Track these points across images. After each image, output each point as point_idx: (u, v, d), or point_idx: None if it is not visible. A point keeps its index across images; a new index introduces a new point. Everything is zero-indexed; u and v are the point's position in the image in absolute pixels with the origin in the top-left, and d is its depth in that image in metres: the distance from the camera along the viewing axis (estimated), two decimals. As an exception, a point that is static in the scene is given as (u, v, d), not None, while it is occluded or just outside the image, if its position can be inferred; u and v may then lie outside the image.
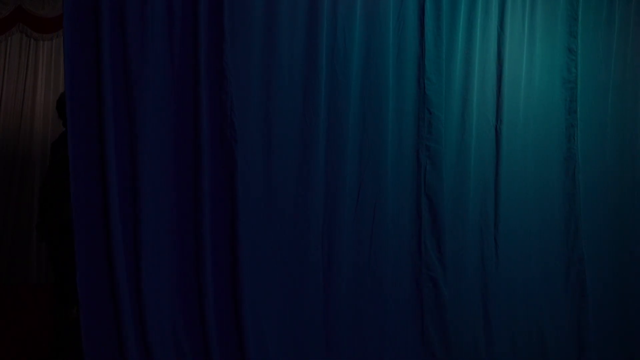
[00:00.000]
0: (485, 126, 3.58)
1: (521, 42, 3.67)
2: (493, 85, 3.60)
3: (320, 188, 3.25)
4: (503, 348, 3.45)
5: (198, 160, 2.99)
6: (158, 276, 2.92)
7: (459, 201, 3.49)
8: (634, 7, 3.86)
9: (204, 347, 2.95)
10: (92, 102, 2.88)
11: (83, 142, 2.88)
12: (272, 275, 3.12)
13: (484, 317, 3.47)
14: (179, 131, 3.01)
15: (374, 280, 3.31)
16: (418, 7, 3.48)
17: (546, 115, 3.69)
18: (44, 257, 5.88)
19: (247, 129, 3.08)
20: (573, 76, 3.72)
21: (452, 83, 3.52)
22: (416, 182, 3.44)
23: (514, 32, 3.66)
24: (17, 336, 4.05)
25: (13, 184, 5.93)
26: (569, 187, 3.68)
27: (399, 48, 3.44)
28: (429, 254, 3.39)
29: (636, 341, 3.66)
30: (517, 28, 3.67)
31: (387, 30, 3.40)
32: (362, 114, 3.36)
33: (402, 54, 3.45)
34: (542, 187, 3.65)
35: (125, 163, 2.91)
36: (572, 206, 3.67)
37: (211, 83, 3.03)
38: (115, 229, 2.84)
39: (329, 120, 3.28)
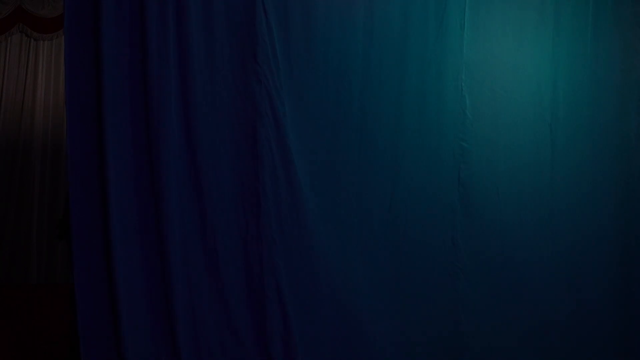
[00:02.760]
0: (540, 125, 3.59)
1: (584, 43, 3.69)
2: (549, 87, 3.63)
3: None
4: None
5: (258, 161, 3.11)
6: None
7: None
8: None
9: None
10: (92, 102, 2.88)
11: (83, 142, 2.88)
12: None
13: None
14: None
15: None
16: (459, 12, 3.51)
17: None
18: (44, 257, 5.88)
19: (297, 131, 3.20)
20: None
21: (495, 85, 3.55)
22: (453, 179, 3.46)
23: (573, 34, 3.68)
24: (17, 336, 4.04)
25: (13, 184, 5.93)
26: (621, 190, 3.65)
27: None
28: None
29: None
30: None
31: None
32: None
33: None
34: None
35: (125, 163, 2.92)
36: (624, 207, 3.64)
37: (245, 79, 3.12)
38: (113, 228, 2.84)
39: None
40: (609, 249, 3.60)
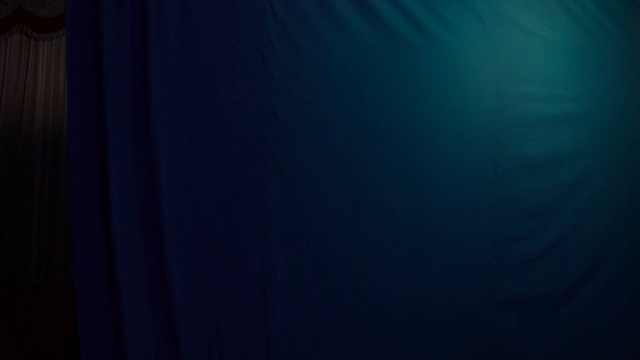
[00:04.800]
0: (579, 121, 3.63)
1: None
2: None
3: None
4: None
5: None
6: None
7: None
8: None
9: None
10: (92, 102, 2.89)
11: (83, 142, 2.88)
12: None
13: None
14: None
15: None
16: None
17: None
18: (44, 257, 5.88)
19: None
20: None
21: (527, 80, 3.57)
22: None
23: None
24: (17, 336, 4.04)
25: (13, 184, 5.93)
26: None
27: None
28: None
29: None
30: None
31: None
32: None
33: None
34: None
35: (125, 162, 2.92)
36: None
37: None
38: (115, 228, 2.84)
39: None
40: None
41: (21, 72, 6.04)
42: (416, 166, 3.34)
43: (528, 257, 3.47)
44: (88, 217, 2.86)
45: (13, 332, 4.11)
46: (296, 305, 3.11)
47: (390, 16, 3.33)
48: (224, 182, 3.08)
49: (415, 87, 3.37)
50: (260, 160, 3.11)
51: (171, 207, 2.97)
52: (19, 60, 6.04)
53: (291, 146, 3.16)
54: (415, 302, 3.28)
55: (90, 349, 2.79)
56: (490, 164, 3.44)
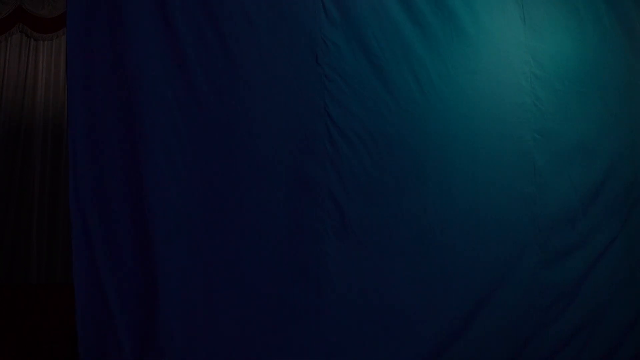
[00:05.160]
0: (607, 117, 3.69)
1: None
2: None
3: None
4: None
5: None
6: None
7: None
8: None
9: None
10: (92, 102, 2.89)
11: (83, 142, 2.88)
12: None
13: None
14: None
15: None
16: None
17: None
18: (44, 257, 5.88)
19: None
20: None
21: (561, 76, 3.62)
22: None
23: None
24: (17, 336, 4.04)
25: (13, 184, 5.93)
26: None
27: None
28: None
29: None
30: None
31: None
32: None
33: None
34: None
35: (126, 162, 2.92)
36: None
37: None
38: (114, 226, 2.85)
39: None
40: None
41: (21, 72, 6.05)
42: None
43: None
44: (87, 217, 2.86)
45: (13, 332, 4.11)
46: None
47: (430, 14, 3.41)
48: (279, 184, 3.11)
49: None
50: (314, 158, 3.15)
51: (160, 203, 2.97)
52: (19, 60, 6.05)
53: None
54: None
55: (89, 349, 2.79)
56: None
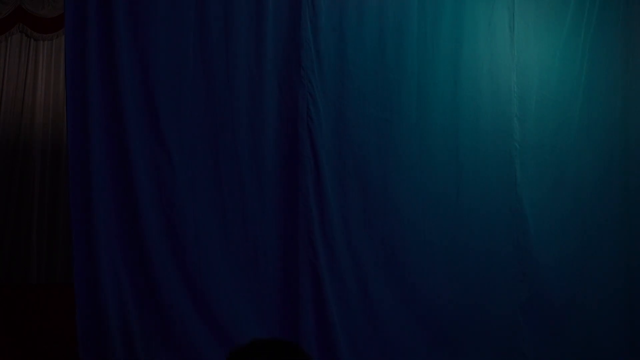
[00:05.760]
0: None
1: None
2: None
3: None
4: None
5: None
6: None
7: None
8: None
9: None
10: (92, 102, 2.89)
11: (84, 142, 2.88)
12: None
13: None
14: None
15: None
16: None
17: None
18: (44, 257, 5.88)
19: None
20: None
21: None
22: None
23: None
24: (17, 336, 4.05)
25: (13, 184, 5.92)
26: None
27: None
28: None
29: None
30: None
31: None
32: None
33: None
34: None
35: (126, 162, 2.92)
36: None
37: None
38: (115, 227, 2.85)
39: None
40: None
41: (21, 72, 6.04)
42: None
43: None
44: (87, 218, 2.86)
45: (13, 332, 4.11)
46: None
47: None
48: (265, 179, 3.17)
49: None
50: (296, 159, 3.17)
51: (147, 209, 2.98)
52: (19, 60, 6.05)
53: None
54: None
55: (89, 349, 2.79)
56: None
